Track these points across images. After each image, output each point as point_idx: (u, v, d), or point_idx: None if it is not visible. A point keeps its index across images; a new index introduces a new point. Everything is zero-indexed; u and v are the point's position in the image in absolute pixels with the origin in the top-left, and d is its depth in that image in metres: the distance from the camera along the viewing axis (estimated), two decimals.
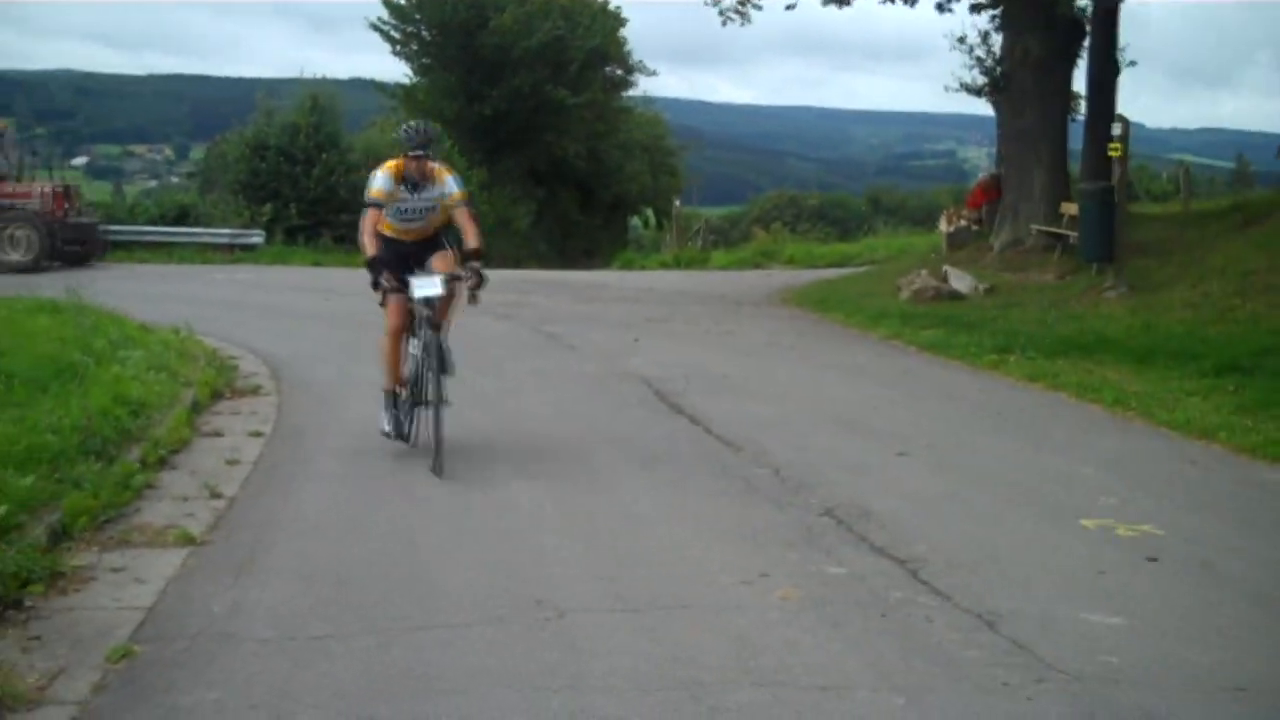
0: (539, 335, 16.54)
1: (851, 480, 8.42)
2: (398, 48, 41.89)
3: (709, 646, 5.26)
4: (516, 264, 34.27)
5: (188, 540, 6.83)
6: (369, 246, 8.74)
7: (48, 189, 28.16)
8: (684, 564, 6.47)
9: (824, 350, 15.45)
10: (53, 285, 16.72)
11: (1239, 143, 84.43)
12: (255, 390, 11.98)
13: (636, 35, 48.15)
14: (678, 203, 38.49)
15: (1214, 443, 9.90)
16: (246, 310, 18.79)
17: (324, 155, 32.73)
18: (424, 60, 42.12)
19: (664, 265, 32.24)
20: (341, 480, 8.47)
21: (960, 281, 20.22)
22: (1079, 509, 7.69)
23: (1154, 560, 6.62)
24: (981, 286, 19.62)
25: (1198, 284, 16.39)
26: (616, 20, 46.79)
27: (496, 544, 6.86)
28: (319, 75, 40.77)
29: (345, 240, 32.05)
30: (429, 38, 41.22)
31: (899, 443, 9.65)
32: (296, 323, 17.85)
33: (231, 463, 8.85)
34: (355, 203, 31.63)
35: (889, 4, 22.02)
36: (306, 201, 32.55)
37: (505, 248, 39.78)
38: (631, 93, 52.17)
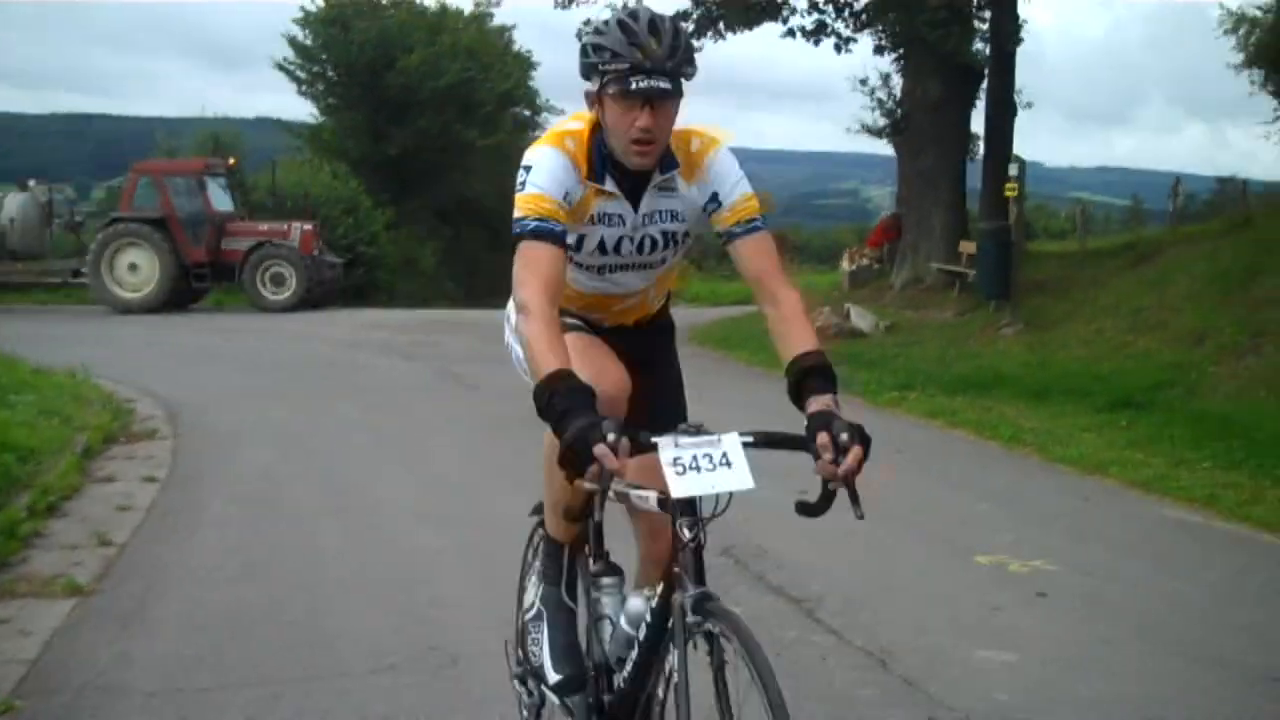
0: (444, 376, 16.48)
1: (748, 519, 8.42)
2: (303, 87, 41.69)
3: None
4: (424, 303, 34.15)
5: (75, 590, 6.69)
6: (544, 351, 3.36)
7: (307, 227, 28.74)
8: None
9: (727, 389, 15.49)
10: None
11: (1134, 181, 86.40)
12: (151, 434, 11.79)
13: (546, 76, 48.37)
14: None
15: (1107, 477, 10.12)
16: (144, 352, 18.50)
17: None
18: (330, 100, 41.95)
19: None
20: (237, 526, 8.35)
21: (862, 319, 20.48)
22: (973, 545, 7.80)
23: (1044, 596, 6.73)
24: (883, 324, 19.89)
25: (1092, 321, 16.75)
26: (528, 64, 47.04)
27: (393, 590, 6.79)
28: (221, 114, 40.41)
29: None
30: (335, 78, 41.07)
31: (798, 481, 9.65)
32: (195, 364, 17.62)
33: (123, 509, 8.70)
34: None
35: (791, 38, 22.26)
36: None
37: (411, 287, 39.67)
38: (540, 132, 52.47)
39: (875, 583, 6.99)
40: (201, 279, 28.50)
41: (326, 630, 6.06)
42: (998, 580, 7.09)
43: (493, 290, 41.93)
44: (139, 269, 27.60)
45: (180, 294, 27.92)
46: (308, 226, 28.82)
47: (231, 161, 31.71)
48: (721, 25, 21.83)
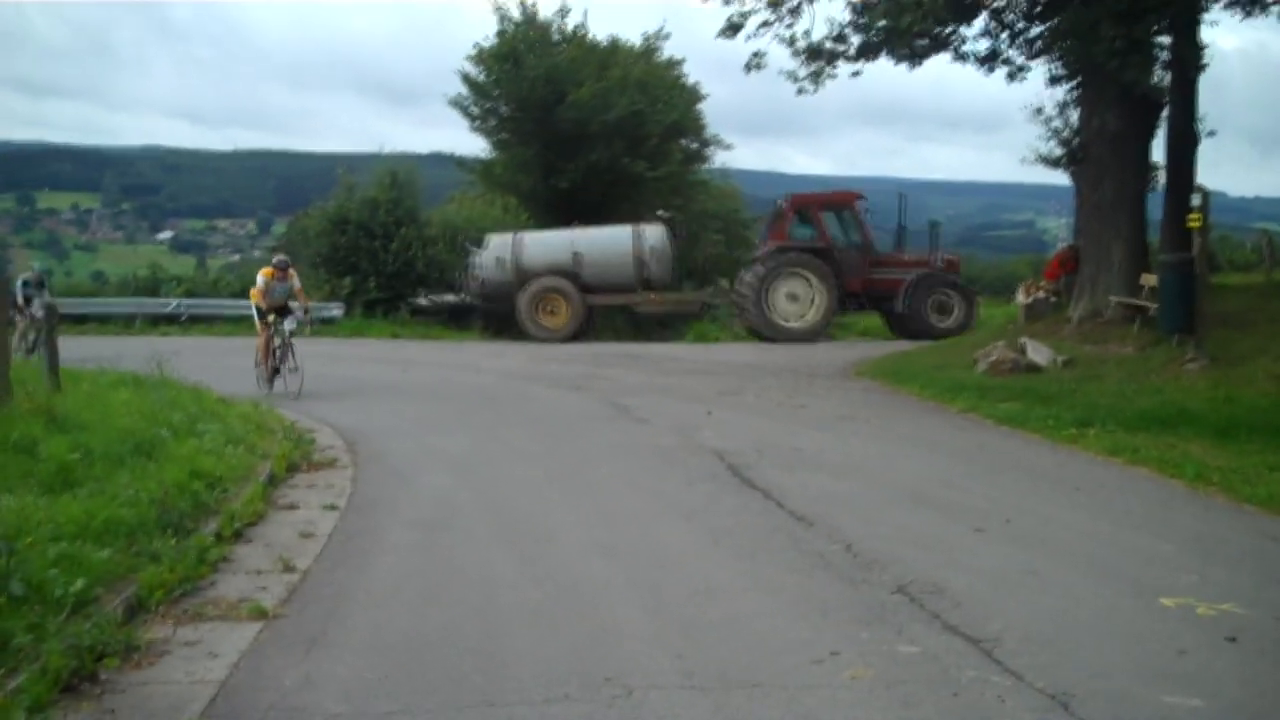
0: (611, 408, 16.57)
1: (925, 556, 8.32)
2: (476, 123, 42.45)
3: None
4: (594, 336, 34.42)
5: (260, 614, 6.90)
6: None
7: (946, 256, 30.98)
8: (753, 640, 6.42)
9: (898, 424, 15.33)
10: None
11: None
12: (331, 463, 12.11)
13: (712, 107, 48.40)
14: (746, 274, 38.44)
15: None
16: (324, 383, 18.99)
17: (402, 230, 33.19)
18: (502, 135, 42.62)
19: (737, 338, 32.24)
20: (415, 552, 8.52)
21: (1038, 354, 20.01)
22: (1158, 587, 7.54)
23: (1234, 640, 6.47)
24: (1060, 359, 19.40)
25: None
26: (694, 95, 47.14)
27: (567, 618, 6.85)
28: (398, 150, 41.33)
29: (423, 313, 32.47)
30: (507, 113, 41.72)
31: (975, 518, 9.54)
32: (374, 395, 18.05)
33: (305, 535, 8.95)
34: (431, 277, 32.29)
35: (961, 63, 21.93)
36: (385, 275, 33.00)
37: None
38: (708, 166, 52.44)
39: (1055, 622, 6.79)
40: (860, 307, 31.26)
41: (502, 657, 6.13)
42: (1185, 623, 6.83)
43: (663, 323, 42.15)
44: (797, 299, 29.56)
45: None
46: (951, 256, 31.18)
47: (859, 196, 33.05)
48: (885, 55, 21.61)
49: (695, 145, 49.92)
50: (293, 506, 10.04)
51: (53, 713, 5.28)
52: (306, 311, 19.32)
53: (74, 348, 20.89)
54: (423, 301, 33.51)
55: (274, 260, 19.12)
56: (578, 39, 42.91)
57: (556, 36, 42.52)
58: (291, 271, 19.00)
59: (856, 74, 22.40)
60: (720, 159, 53.12)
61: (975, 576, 7.77)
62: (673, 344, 31.83)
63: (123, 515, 7.79)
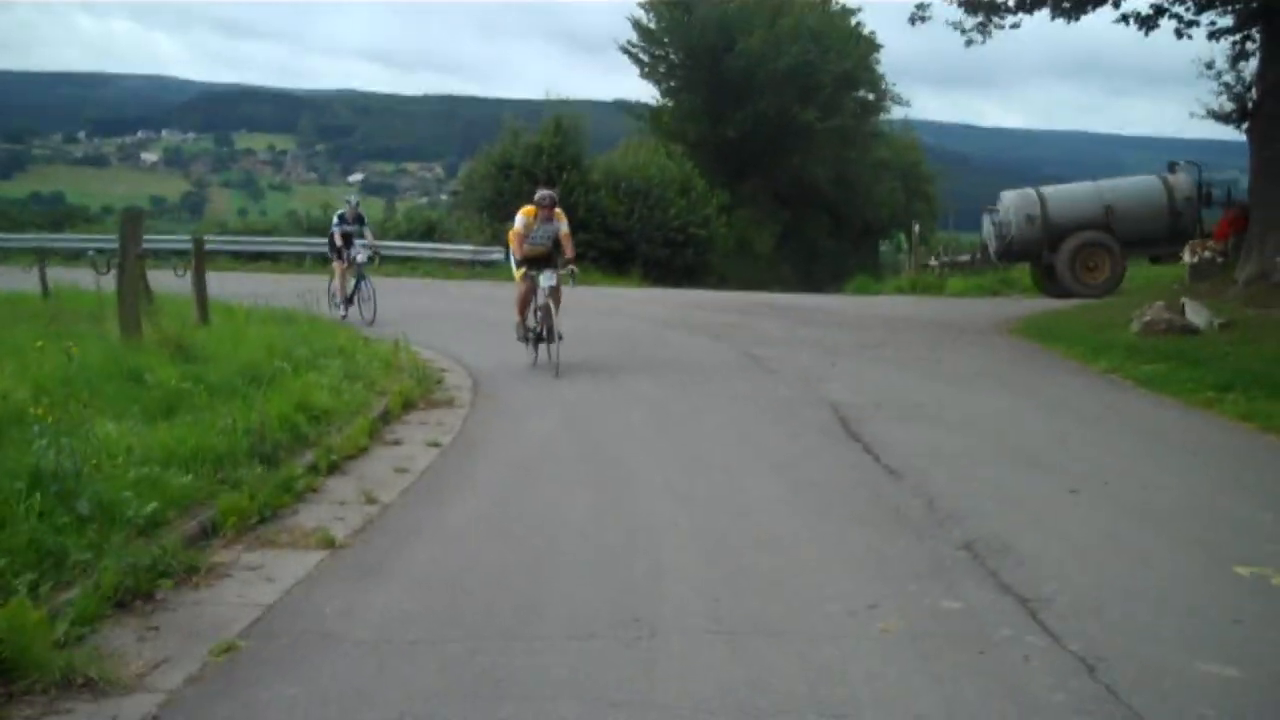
0: (744, 357, 16.56)
1: (1006, 514, 8.18)
2: (646, 70, 42.55)
3: (788, 674, 5.23)
4: (758, 286, 34.38)
5: (328, 543, 7.15)
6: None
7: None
8: (798, 589, 6.43)
9: (1032, 382, 14.99)
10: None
11: None
12: (449, 402, 12.40)
13: (900, 58, 47.72)
14: (917, 227, 37.90)
15: None
16: (474, 325, 19.37)
17: (565, 175, 33.50)
18: (671, 83, 42.68)
19: (899, 290, 31.84)
20: (499, 490, 8.73)
21: (1196, 315, 19.30)
22: (1239, 555, 7.28)
23: None
24: (1217, 321, 18.68)
25: None
26: (870, 45, 46.47)
27: (619, 561, 6.94)
28: (579, 97, 41.48)
29: (583, 259, 32.79)
30: (676, 60, 41.72)
31: (1074, 479, 9.32)
32: (507, 338, 18.26)
33: (400, 471, 9.21)
34: (593, 222, 32.60)
35: (1124, 24, 21.12)
36: None
37: (746, 270, 39.96)
38: (889, 117, 51.73)
39: (1117, 587, 6.63)
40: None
41: (542, 596, 6.26)
42: (1253, 592, 6.60)
43: (836, 275, 41.86)
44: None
45: None
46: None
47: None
48: (1046, 8, 20.96)
49: (871, 97, 49.28)
50: (397, 442, 10.33)
51: (101, 625, 5.58)
52: (571, 271, 15.35)
53: (242, 283, 21.82)
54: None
55: (536, 196, 15.37)
56: None
57: None
58: (559, 211, 15.37)
59: (1015, 26, 21.80)
60: (904, 111, 52.33)
61: (1050, 537, 7.62)
62: (828, 295, 31.56)
63: (214, 443, 8.12)
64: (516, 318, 15.53)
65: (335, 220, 21.77)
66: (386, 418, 11.19)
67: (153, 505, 6.71)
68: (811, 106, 41.74)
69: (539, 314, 15.13)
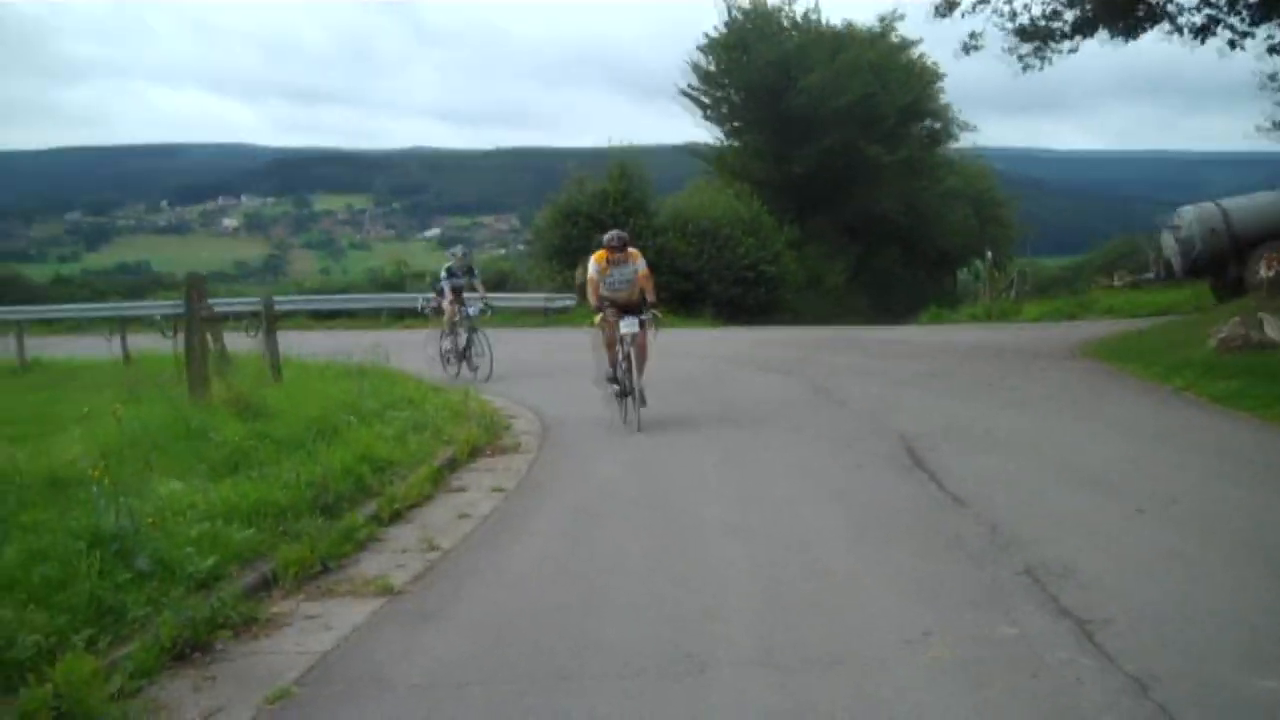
0: (812, 392, 16.53)
1: (1069, 537, 8.08)
2: (708, 113, 42.75)
3: (835, 705, 5.22)
4: (832, 320, 34.27)
5: (387, 590, 7.24)
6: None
7: None
8: (853, 620, 6.42)
9: (1103, 404, 14.81)
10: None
11: None
12: (515, 448, 12.49)
13: (969, 86, 47.52)
14: (990, 254, 37.59)
15: None
16: (545, 372, 19.49)
17: (631, 220, 33.66)
18: (734, 124, 42.82)
19: (973, 319, 31.59)
20: (559, 535, 8.77)
21: (1274, 330, 18.97)
22: None
23: None
24: None
25: None
26: (932, 75, 46.33)
27: (674, 599, 6.95)
28: (644, 143, 41.58)
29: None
30: (737, 101, 41.88)
31: (1142, 498, 9.20)
32: (577, 382, 18.33)
33: (462, 517, 9.30)
34: (662, 264, 32.66)
35: (1178, 35, 20.95)
36: None
37: (818, 305, 39.84)
38: (958, 145, 51.47)
39: (1178, 605, 6.53)
40: None
41: (595, 635, 6.29)
42: None
43: (912, 306, 41.62)
44: None
45: None
46: None
47: None
48: (1101, 29, 20.83)
49: (937, 126, 49.09)
50: (462, 489, 10.44)
51: (159, 677, 5.70)
52: (654, 315, 14.21)
53: (320, 341, 22.17)
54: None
55: (605, 238, 14.17)
56: (808, 24, 42.70)
57: (785, 23, 42.39)
58: (633, 251, 14.31)
59: (1073, 50, 21.70)
60: (973, 138, 52.03)
61: (1113, 558, 7.54)
62: (900, 327, 31.37)
63: (276, 497, 8.27)
64: (608, 368, 14.10)
65: (444, 274, 19.94)
66: (453, 465, 11.31)
67: (212, 560, 6.85)
68: (876, 140, 41.67)
69: (623, 364, 13.84)
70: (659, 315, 14.21)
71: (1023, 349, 21.93)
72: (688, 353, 22.95)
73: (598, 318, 14.00)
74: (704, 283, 34.46)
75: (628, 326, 13.66)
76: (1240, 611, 6.42)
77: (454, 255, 20.63)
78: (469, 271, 20.33)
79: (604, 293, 13.94)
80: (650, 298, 14.06)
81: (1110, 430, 12.76)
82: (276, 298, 37.01)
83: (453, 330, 19.80)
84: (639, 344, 13.83)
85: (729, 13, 41.83)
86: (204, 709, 5.36)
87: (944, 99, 48.23)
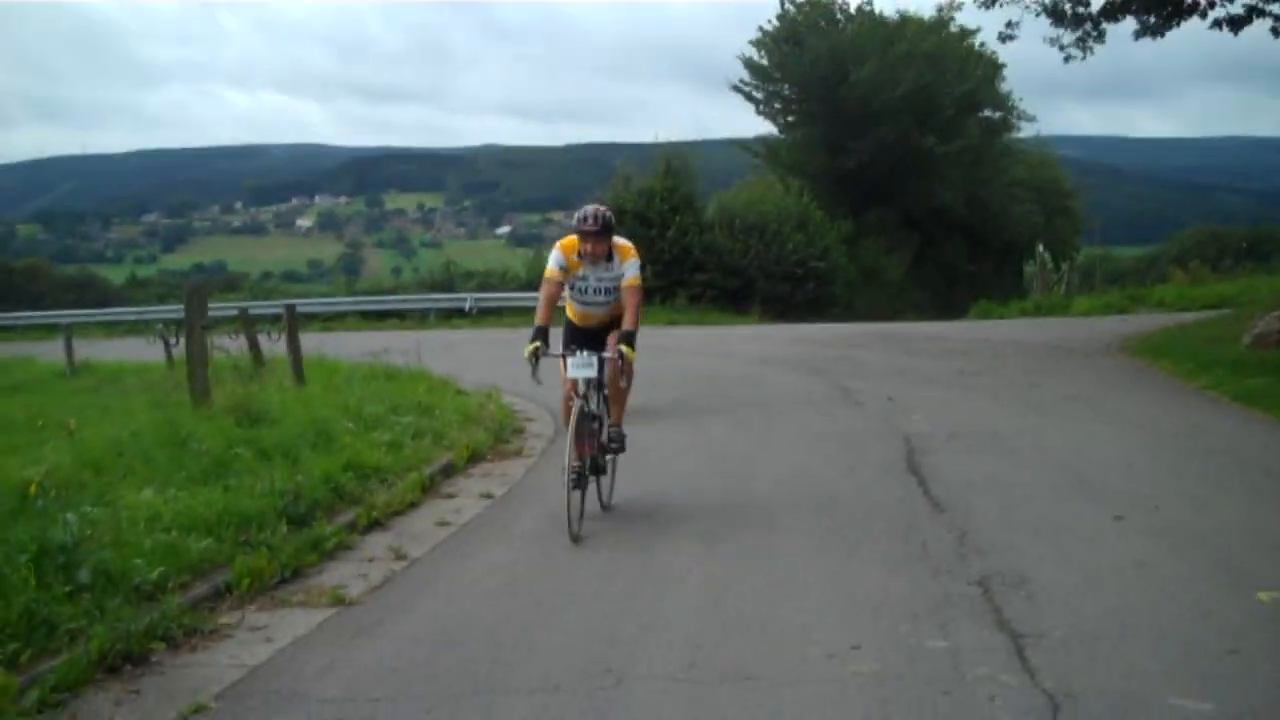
0: (834, 390, 16.41)
1: (1038, 546, 7.99)
2: (760, 106, 42.61)
3: None
4: (888, 316, 34.07)
5: (338, 601, 7.29)
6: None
7: None
8: (786, 633, 6.37)
9: (1123, 404, 14.57)
10: None
11: None
12: (518, 453, 12.50)
13: (1043, 72, 46.84)
14: (1041, 247, 37.14)
15: None
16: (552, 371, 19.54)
17: (678, 217, 33.65)
18: (787, 118, 42.65)
19: (1023, 313, 31.22)
20: (527, 543, 8.74)
21: None
22: (1269, 580, 7.01)
23: None
24: None
25: None
26: (992, 65, 45.83)
27: (618, 611, 6.93)
28: (720, 137, 41.59)
29: (700, 299, 32.92)
30: (790, 94, 41.70)
31: (1125, 505, 9.06)
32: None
33: (441, 524, 9.33)
34: (709, 262, 32.65)
35: (1217, 29, 20.56)
36: (662, 263, 33.49)
37: (876, 300, 39.60)
38: (1026, 134, 50.91)
39: (1122, 619, 6.41)
40: None
41: (526, 649, 6.28)
42: (1267, 620, 6.36)
43: (976, 299, 41.19)
44: None
45: None
46: None
47: None
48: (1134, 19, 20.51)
49: (997, 115, 48.58)
50: (451, 495, 10.46)
51: (84, 690, 5.77)
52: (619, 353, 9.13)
53: (360, 342, 22.38)
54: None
55: (578, 217, 9.17)
56: (861, 16, 42.41)
57: (839, 16, 42.14)
58: (622, 243, 9.43)
59: (1099, 39, 21.39)
60: (1036, 127, 51.41)
61: (1074, 569, 7.44)
62: (946, 323, 31.08)
63: (244, 506, 8.33)
64: (572, 457, 8.82)
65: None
66: (449, 471, 11.34)
67: (158, 570, 6.92)
68: (932, 131, 41.31)
69: (583, 434, 9.05)
70: (626, 352, 9.02)
71: (1060, 345, 21.64)
72: (722, 351, 22.95)
73: (529, 349, 8.81)
74: (751, 279, 34.37)
75: (579, 369, 8.96)
76: (1183, 625, 6.32)
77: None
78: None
79: (572, 303, 9.59)
80: (630, 323, 9.13)
81: (1120, 432, 12.58)
82: (332, 298, 37.73)
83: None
84: (611, 376, 9.28)
85: (782, 6, 41.73)
86: None
87: (1005, 88, 47.75)
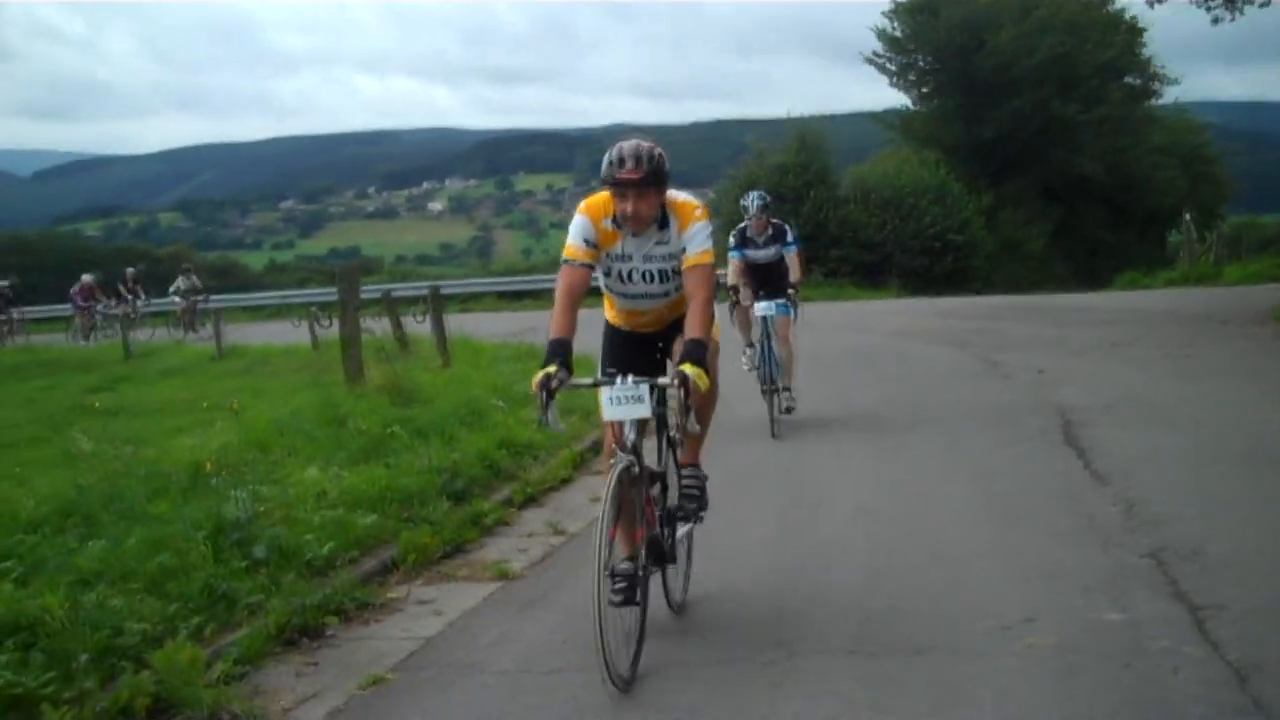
0: (982, 363, 16.18)
1: (1208, 518, 7.76)
2: (895, 79, 42.08)
3: (916, 693, 5.14)
4: (1030, 287, 33.49)
5: (503, 575, 7.40)
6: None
7: None
8: (956, 605, 6.28)
9: (1261, 371, 14.13)
10: None
11: None
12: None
13: (1188, 37, 45.56)
14: (1187, 215, 36.14)
15: None
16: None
17: (812, 192, 33.37)
18: (922, 89, 42.06)
19: (1170, 283, 30.41)
20: None
21: None
22: None
23: None
24: None
25: None
26: (1133, 32, 44.68)
27: (785, 584, 6.92)
28: (847, 110, 41.36)
29: (837, 274, 32.68)
30: (925, 65, 41.11)
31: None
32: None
33: (595, 500, 9.28)
34: (844, 236, 32.37)
35: None
36: None
37: (1016, 272, 38.95)
38: (1169, 100, 49.64)
39: None
40: None
41: (701, 620, 6.36)
42: None
43: (1119, 269, 40.33)
44: None
45: None
46: None
47: None
48: None
49: (1139, 82, 47.39)
50: (600, 472, 10.47)
51: (265, 663, 5.92)
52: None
53: (503, 323, 22.63)
54: None
55: (607, 159, 5.74)
56: None
57: None
58: (682, 200, 6.04)
59: (1264, 4, 20.69)
60: (1178, 91, 50.13)
61: (1247, 541, 7.21)
62: (1092, 293, 30.41)
63: (405, 484, 8.48)
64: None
65: (733, 243, 12.60)
66: (598, 447, 11.38)
67: (329, 545, 7.07)
68: (1072, 99, 40.41)
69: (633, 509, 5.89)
70: (693, 376, 5.42)
71: (1212, 315, 21.00)
72: (861, 326, 22.75)
73: (538, 377, 5.71)
74: (888, 254, 34.02)
75: (622, 406, 5.66)
76: None
77: (745, 209, 12.72)
78: (777, 238, 12.57)
79: (611, 296, 6.40)
80: (697, 328, 5.67)
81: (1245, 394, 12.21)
82: (467, 280, 38.14)
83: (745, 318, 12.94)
84: (697, 404, 5.67)
85: None
86: (301, 694, 5.56)
87: (1147, 54, 46.55)
